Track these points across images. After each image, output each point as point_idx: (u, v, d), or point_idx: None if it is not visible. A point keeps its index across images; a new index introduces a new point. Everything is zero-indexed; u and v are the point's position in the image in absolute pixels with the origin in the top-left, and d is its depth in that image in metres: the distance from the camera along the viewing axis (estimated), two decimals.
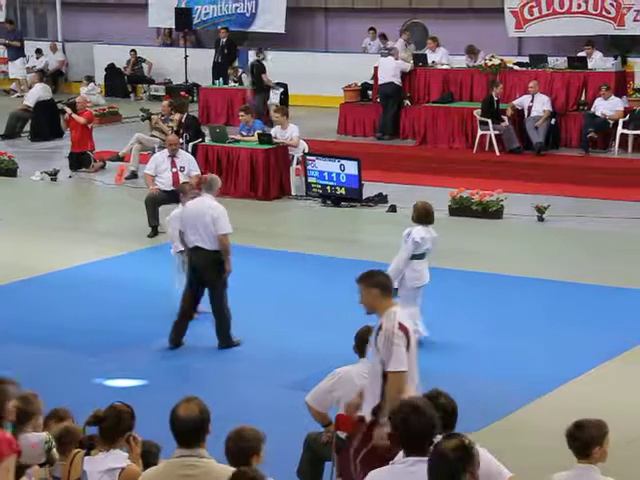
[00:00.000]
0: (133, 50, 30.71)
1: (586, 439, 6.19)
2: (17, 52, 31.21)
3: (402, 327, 7.34)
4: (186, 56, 28.21)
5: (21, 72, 30.52)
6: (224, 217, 11.44)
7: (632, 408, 9.86)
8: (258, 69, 25.23)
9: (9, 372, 8.84)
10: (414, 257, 11.44)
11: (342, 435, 7.93)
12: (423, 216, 11.62)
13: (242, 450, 5.88)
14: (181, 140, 17.86)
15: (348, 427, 7.92)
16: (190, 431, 5.61)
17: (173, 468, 5.60)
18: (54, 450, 7.26)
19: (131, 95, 30.53)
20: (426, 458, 5.36)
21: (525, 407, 9.96)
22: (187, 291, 11.70)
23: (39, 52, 31.28)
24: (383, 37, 27.88)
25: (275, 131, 19.25)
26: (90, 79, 28.44)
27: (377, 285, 7.52)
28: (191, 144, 19.01)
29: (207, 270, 11.51)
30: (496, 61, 23.26)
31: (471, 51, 24.73)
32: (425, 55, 24.50)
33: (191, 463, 5.56)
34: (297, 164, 18.99)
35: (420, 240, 11.40)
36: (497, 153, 21.71)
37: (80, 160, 20.92)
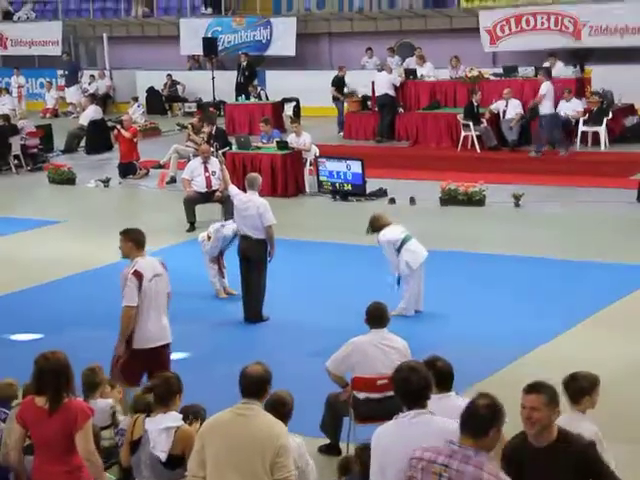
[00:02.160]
0: (169, 74, 30.72)
1: (577, 389, 6.18)
2: (72, 80, 31.25)
3: (135, 273, 8.29)
4: (213, 78, 28.17)
5: (76, 97, 30.52)
6: (268, 211, 11.43)
7: (601, 361, 9.83)
8: (334, 82, 25.15)
9: (80, 352, 8.91)
10: (402, 244, 11.37)
11: (358, 394, 7.95)
12: (376, 224, 11.52)
13: (282, 410, 6.21)
14: (212, 149, 17.82)
15: (363, 387, 7.94)
16: (252, 384, 5.75)
17: (233, 410, 5.77)
18: (118, 415, 7.33)
19: (168, 112, 30.52)
20: (425, 410, 5.41)
21: (510, 366, 9.95)
22: (242, 277, 11.73)
23: (92, 77, 31.32)
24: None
25: (291, 138, 19.21)
26: (136, 100, 28.42)
27: (131, 240, 8.47)
28: (220, 152, 18.97)
29: (253, 254, 11.50)
30: (475, 73, 23.19)
31: (455, 59, 24.54)
32: (414, 70, 24.44)
33: (248, 407, 5.72)
34: (310, 165, 18.96)
35: (389, 236, 11.33)
36: (478, 150, 21.64)
37: (128, 169, 20.93)
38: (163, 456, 6.34)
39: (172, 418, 6.44)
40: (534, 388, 5.38)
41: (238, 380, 5.78)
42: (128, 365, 8.29)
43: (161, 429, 6.38)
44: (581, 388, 6.19)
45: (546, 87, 20.66)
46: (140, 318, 8.39)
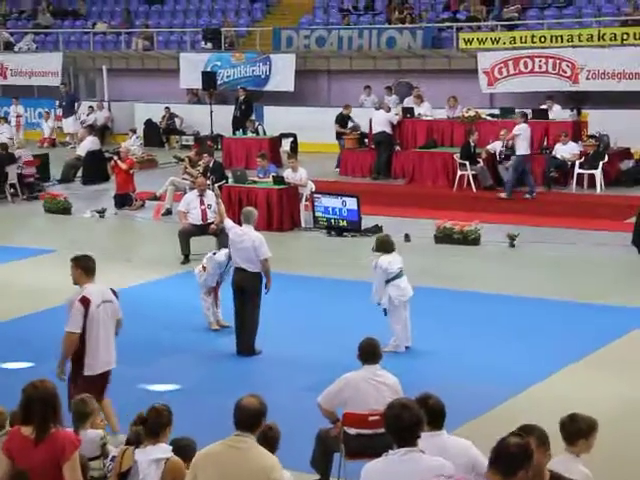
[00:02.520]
0: (167, 107, 30.82)
1: (573, 430, 6.11)
2: (69, 111, 31.36)
3: (82, 299, 8.49)
4: (211, 111, 28.29)
5: (74, 127, 30.65)
6: (263, 245, 11.45)
7: (594, 402, 9.80)
8: (337, 120, 25.45)
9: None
10: (394, 278, 11.39)
11: (349, 430, 7.89)
12: (384, 247, 11.57)
13: (272, 440, 6.05)
14: (208, 182, 17.84)
15: (354, 423, 7.89)
16: (247, 418, 5.67)
17: (226, 442, 5.69)
18: (108, 445, 7.26)
19: (165, 145, 30.56)
20: (416, 448, 5.36)
21: (503, 405, 9.91)
22: (236, 310, 11.69)
23: (92, 108, 31.46)
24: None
25: (287, 174, 19.26)
26: (134, 131, 28.53)
27: (81, 267, 8.64)
28: (217, 185, 19.00)
29: (248, 286, 11.49)
30: (472, 113, 23.31)
31: (453, 99, 24.70)
32: (412, 108, 24.55)
33: (241, 439, 5.64)
34: (306, 201, 18.97)
35: (387, 265, 11.34)
36: (474, 190, 21.68)
37: (123, 200, 20.94)
38: None
39: (162, 450, 6.40)
40: (524, 431, 5.31)
41: (233, 412, 5.69)
42: (83, 392, 8.11)
43: (151, 460, 6.34)
44: (578, 430, 6.11)
45: (520, 128, 20.78)
46: (90, 344, 8.57)
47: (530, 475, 5.19)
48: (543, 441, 5.30)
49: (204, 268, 12.41)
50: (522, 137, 20.76)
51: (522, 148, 20.82)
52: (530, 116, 22.80)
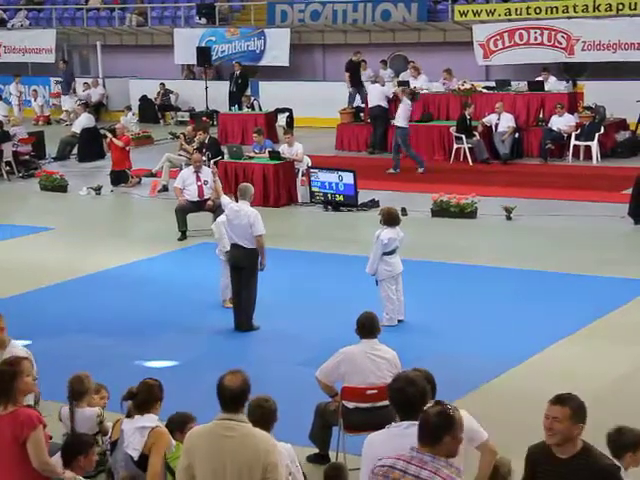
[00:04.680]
0: (162, 83, 30.71)
1: (619, 443, 6.06)
2: (69, 88, 31.24)
3: None
4: (206, 87, 28.18)
5: (72, 105, 30.57)
6: (258, 221, 11.41)
7: (591, 373, 9.84)
8: (350, 66, 25.82)
9: (69, 358, 8.88)
10: (386, 254, 11.39)
11: (347, 404, 7.91)
12: (389, 219, 11.54)
13: (265, 416, 5.97)
14: (204, 158, 17.78)
15: (352, 397, 7.91)
16: (233, 397, 5.52)
17: (217, 428, 5.52)
18: (105, 422, 7.28)
19: (161, 121, 30.48)
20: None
21: (502, 376, 9.92)
22: (233, 286, 11.68)
23: (87, 85, 31.36)
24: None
25: (283, 149, 19.21)
26: (129, 109, 28.40)
27: None
28: (212, 161, 18.95)
29: (244, 263, 11.47)
30: (468, 86, 23.24)
31: (447, 73, 24.65)
32: (408, 82, 24.47)
33: (232, 426, 5.49)
34: (302, 176, 18.94)
35: (388, 241, 11.32)
36: (470, 163, 21.66)
37: (119, 177, 20.89)
38: (135, 454, 6.32)
39: (149, 419, 6.42)
40: (559, 400, 5.38)
41: (216, 392, 5.54)
42: None
43: (135, 428, 6.37)
44: (625, 443, 6.04)
45: (403, 104, 20.95)
46: None
47: (556, 441, 5.30)
48: (577, 412, 5.32)
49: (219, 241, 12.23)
50: (403, 110, 20.85)
51: (399, 120, 20.89)
52: (526, 88, 22.82)
